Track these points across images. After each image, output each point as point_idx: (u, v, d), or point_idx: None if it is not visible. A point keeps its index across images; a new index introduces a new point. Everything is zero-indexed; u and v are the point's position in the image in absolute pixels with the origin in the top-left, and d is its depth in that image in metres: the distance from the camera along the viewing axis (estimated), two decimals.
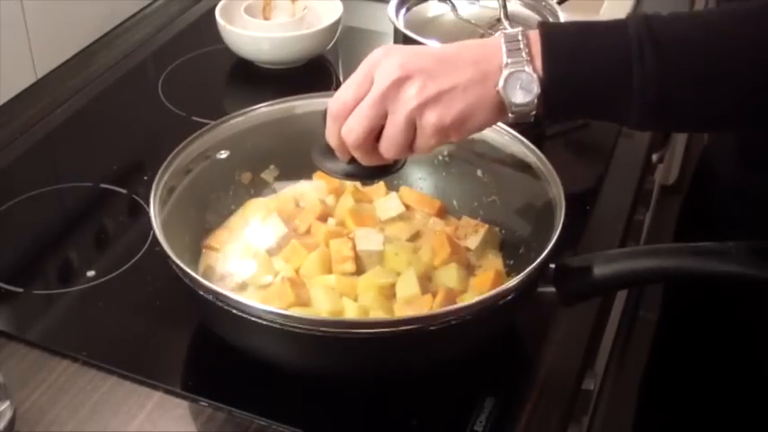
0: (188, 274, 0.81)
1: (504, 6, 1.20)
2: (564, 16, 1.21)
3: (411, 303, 0.85)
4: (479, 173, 0.97)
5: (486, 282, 0.88)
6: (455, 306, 0.80)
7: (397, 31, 1.21)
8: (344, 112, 0.78)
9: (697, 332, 1.32)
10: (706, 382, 1.33)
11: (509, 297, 0.81)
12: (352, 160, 0.83)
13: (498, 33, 1.15)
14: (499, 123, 0.98)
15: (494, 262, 0.90)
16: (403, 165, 0.88)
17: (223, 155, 0.95)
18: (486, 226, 0.93)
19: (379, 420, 0.85)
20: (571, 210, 0.88)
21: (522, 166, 0.95)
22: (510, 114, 0.77)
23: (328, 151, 0.86)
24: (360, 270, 0.88)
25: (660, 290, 1.42)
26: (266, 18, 1.35)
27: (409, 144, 0.78)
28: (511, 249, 0.92)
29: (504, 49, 0.76)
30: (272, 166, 0.97)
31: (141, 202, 1.07)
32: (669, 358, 1.41)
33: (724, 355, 1.29)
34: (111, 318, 0.95)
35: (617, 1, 1.53)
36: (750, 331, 1.24)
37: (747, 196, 1.16)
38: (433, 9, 1.25)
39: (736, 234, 0.84)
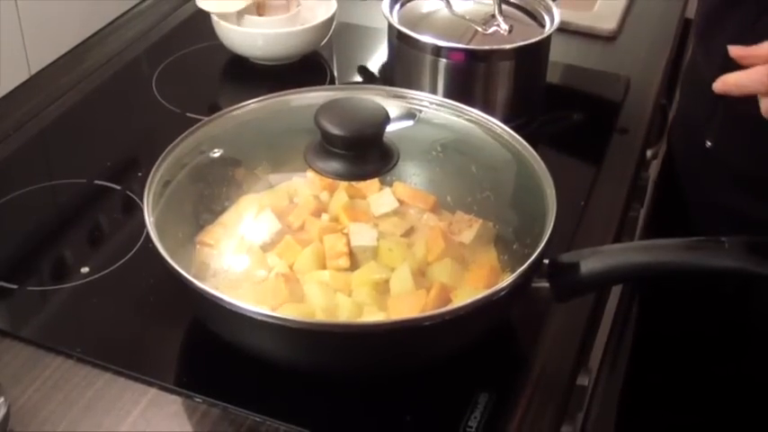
0: (180, 273, 0.81)
1: (499, 2, 1.20)
2: (558, 13, 1.21)
3: (405, 299, 0.85)
4: (473, 168, 0.97)
5: (481, 277, 0.88)
6: (449, 307, 0.80)
7: (391, 27, 1.21)
8: None
9: (674, 325, 1.32)
10: (685, 374, 1.33)
11: (503, 293, 0.81)
12: (345, 159, 0.83)
13: (492, 30, 1.17)
14: (493, 119, 0.98)
15: (488, 257, 0.90)
16: (396, 163, 0.89)
17: (216, 153, 0.95)
18: (480, 221, 0.93)
19: (374, 416, 0.85)
20: (565, 205, 0.88)
21: (516, 162, 0.95)
22: None
23: (321, 150, 0.87)
24: (354, 266, 0.88)
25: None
26: (260, 14, 1.35)
27: None
28: (505, 244, 0.92)
29: None
30: (265, 162, 0.97)
31: (135, 198, 1.07)
32: (649, 352, 1.42)
33: (703, 347, 1.29)
34: (105, 314, 0.95)
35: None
36: (728, 324, 1.24)
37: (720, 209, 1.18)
38: (427, 5, 1.25)
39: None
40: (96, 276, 0.98)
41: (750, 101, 0.91)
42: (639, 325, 1.49)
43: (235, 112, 0.99)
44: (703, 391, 1.33)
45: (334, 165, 0.87)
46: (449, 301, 0.85)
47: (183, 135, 0.95)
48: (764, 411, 1.28)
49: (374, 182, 0.96)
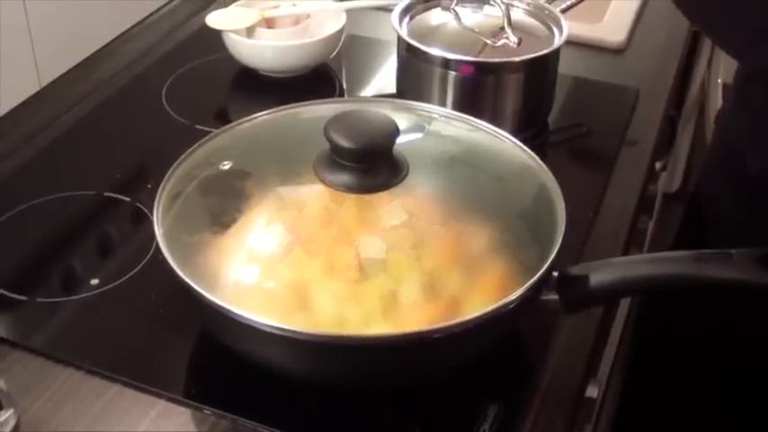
0: (189, 285, 0.81)
1: (508, 15, 1.20)
2: (567, 25, 1.21)
3: (414, 311, 0.85)
4: (483, 180, 0.97)
5: (490, 289, 0.87)
6: (458, 320, 0.80)
7: (400, 39, 1.22)
8: None
9: (673, 327, 1.32)
10: (684, 377, 1.33)
11: (513, 306, 0.81)
12: (355, 172, 0.83)
13: (501, 42, 1.18)
14: (502, 131, 0.98)
15: (497, 268, 0.90)
16: (405, 175, 0.89)
17: (226, 165, 0.96)
18: (490, 233, 0.93)
19: (383, 428, 0.86)
20: (574, 217, 0.88)
21: (525, 174, 0.95)
22: None
23: (330, 162, 0.87)
24: (363, 277, 0.88)
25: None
26: (270, 27, 1.36)
27: None
28: (514, 256, 0.92)
29: None
30: (275, 174, 0.97)
31: (145, 210, 1.08)
32: (648, 355, 1.42)
33: (702, 349, 1.29)
34: (114, 325, 0.95)
35: (621, 4, 1.54)
36: (724, 333, 1.24)
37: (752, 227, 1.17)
38: (436, 17, 1.25)
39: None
40: (106, 288, 0.98)
41: None
42: (638, 328, 1.49)
43: (244, 125, 1.00)
44: (702, 395, 1.33)
45: (344, 177, 0.88)
46: (458, 313, 0.85)
47: (193, 147, 0.95)
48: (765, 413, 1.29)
49: (384, 194, 0.96)
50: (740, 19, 1.05)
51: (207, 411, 0.86)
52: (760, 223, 1.16)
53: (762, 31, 1.03)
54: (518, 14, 1.25)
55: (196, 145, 0.96)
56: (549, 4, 1.26)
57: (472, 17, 1.24)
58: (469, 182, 0.97)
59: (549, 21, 1.24)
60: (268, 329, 0.78)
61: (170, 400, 0.87)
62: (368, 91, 1.35)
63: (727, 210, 1.24)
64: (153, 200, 0.89)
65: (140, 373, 0.89)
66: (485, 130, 0.99)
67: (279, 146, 0.99)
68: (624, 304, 1.48)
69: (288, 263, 0.89)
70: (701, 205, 1.30)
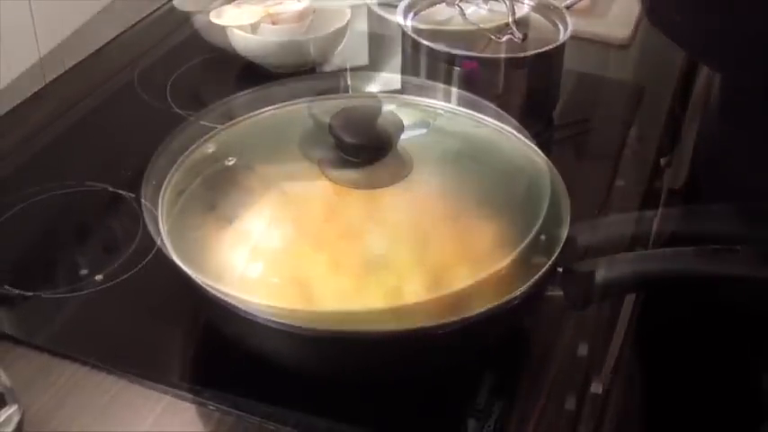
0: (193, 280, 0.81)
1: (513, 11, 1.20)
2: (571, 21, 1.21)
3: (418, 306, 0.85)
4: (487, 176, 0.97)
5: (495, 285, 0.87)
6: (462, 316, 0.80)
7: (405, 35, 1.22)
8: None
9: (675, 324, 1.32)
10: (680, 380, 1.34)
11: (517, 302, 0.81)
12: (359, 167, 0.83)
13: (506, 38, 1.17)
14: (507, 127, 0.98)
15: (501, 264, 0.90)
16: (410, 171, 0.89)
17: (231, 161, 0.96)
18: (494, 228, 0.93)
19: (387, 424, 0.85)
20: (579, 213, 0.88)
21: (530, 170, 0.95)
22: None
23: (335, 158, 0.87)
24: (368, 273, 0.88)
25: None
26: (274, 23, 1.35)
27: None
28: (519, 252, 0.92)
29: None
30: (279, 170, 0.97)
31: (150, 206, 1.07)
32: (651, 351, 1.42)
33: (703, 353, 1.29)
34: (119, 321, 0.95)
35: (625, 4, 1.53)
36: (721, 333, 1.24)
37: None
38: (441, 13, 1.25)
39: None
40: (111, 284, 0.98)
41: None
42: (643, 324, 1.49)
43: (248, 120, 1.00)
44: (707, 391, 1.33)
45: (349, 173, 0.88)
46: (462, 309, 0.85)
47: (198, 143, 0.95)
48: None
49: (388, 190, 0.96)
50: (731, 35, 1.04)
51: (212, 407, 0.86)
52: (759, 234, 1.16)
53: (753, 45, 1.01)
54: (523, 10, 1.24)
55: (201, 141, 0.96)
56: None
57: (477, 13, 1.24)
58: (474, 177, 0.97)
59: (553, 16, 1.24)
60: (272, 325, 0.78)
61: (175, 396, 0.87)
62: (372, 87, 1.35)
63: (720, 216, 1.24)
64: (158, 196, 0.89)
65: (145, 369, 0.89)
66: (489, 126, 0.99)
67: (283, 142, 0.99)
68: (629, 300, 1.48)
69: (292, 258, 0.89)
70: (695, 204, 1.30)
